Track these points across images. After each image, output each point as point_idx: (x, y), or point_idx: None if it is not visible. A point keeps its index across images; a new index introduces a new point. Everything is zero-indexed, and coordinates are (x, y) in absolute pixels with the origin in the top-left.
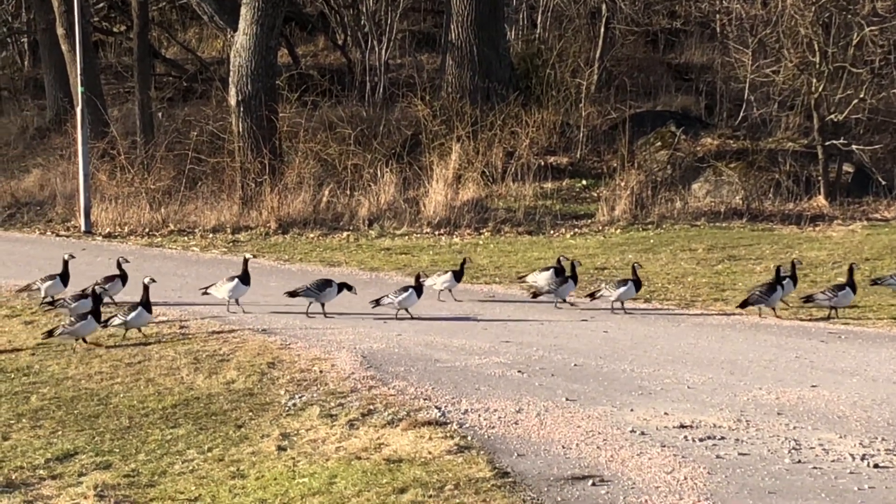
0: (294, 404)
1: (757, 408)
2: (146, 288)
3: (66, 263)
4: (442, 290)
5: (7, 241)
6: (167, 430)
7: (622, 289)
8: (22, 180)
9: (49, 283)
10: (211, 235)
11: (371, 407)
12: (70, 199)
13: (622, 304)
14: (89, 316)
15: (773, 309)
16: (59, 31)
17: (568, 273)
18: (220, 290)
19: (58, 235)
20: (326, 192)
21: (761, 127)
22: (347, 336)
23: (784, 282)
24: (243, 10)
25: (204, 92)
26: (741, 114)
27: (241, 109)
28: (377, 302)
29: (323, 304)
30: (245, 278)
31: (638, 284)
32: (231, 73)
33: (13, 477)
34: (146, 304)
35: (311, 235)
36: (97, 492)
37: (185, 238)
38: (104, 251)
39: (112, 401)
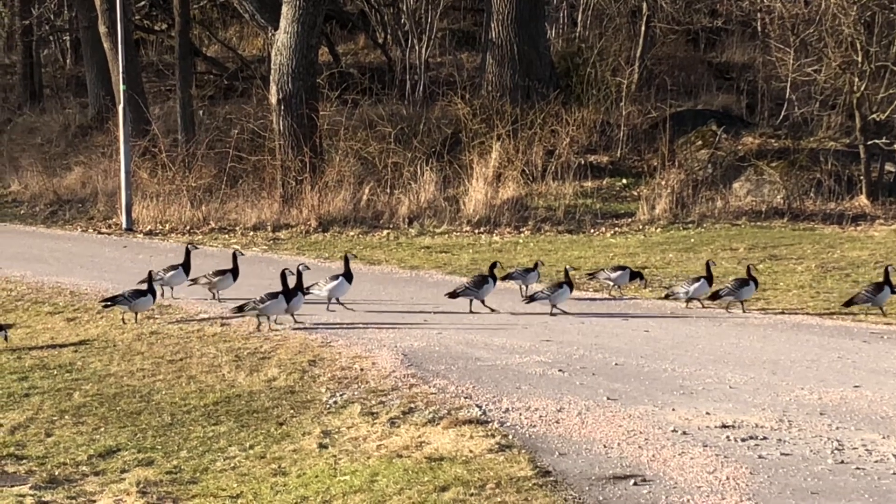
0: (335, 402)
1: (799, 408)
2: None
3: (188, 252)
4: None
5: (49, 238)
6: (209, 427)
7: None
8: (64, 178)
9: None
10: (251, 233)
11: (412, 405)
12: (112, 196)
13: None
14: (280, 296)
15: (881, 309)
16: (102, 29)
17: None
18: (323, 288)
19: (99, 233)
20: (367, 191)
21: (803, 126)
22: (388, 334)
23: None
24: (284, 9)
25: (245, 90)
26: (782, 113)
27: (282, 108)
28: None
29: (483, 301)
30: (349, 276)
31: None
32: (272, 72)
33: (56, 473)
34: (299, 289)
35: (352, 233)
36: (139, 488)
37: (226, 236)
38: (145, 248)
39: (154, 398)
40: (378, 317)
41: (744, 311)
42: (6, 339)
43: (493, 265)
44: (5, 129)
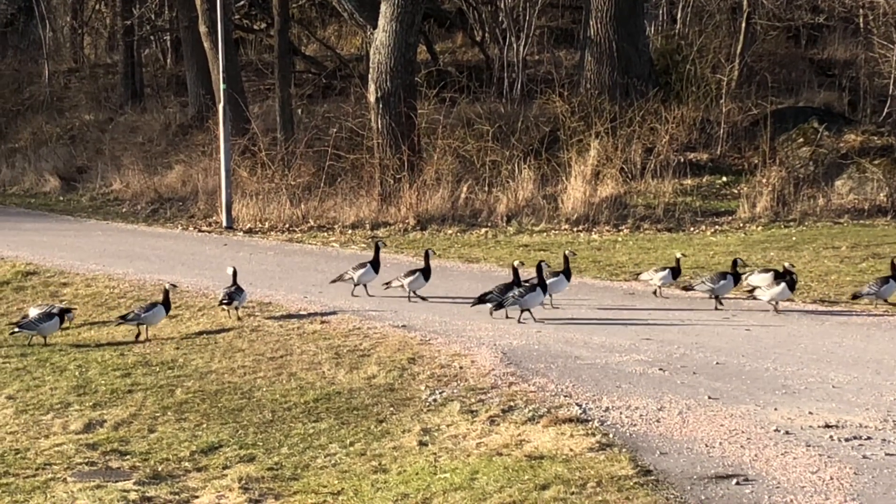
0: (435, 400)
1: None
2: (538, 268)
3: (377, 250)
4: (660, 286)
5: (151, 236)
6: (309, 424)
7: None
8: (164, 176)
9: (361, 271)
10: (350, 231)
11: (511, 403)
12: (212, 194)
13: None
14: (538, 288)
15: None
16: (202, 28)
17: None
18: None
19: (200, 231)
20: (465, 189)
21: None
22: (487, 332)
23: None
24: (383, 7)
25: (343, 89)
26: (885, 110)
27: (381, 106)
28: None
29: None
30: (427, 272)
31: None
32: (370, 70)
33: (159, 469)
34: (542, 284)
35: (450, 231)
36: (241, 484)
37: (325, 234)
38: (245, 246)
39: (255, 394)
40: (476, 315)
41: (719, 306)
42: (71, 319)
43: (678, 260)
44: (107, 128)
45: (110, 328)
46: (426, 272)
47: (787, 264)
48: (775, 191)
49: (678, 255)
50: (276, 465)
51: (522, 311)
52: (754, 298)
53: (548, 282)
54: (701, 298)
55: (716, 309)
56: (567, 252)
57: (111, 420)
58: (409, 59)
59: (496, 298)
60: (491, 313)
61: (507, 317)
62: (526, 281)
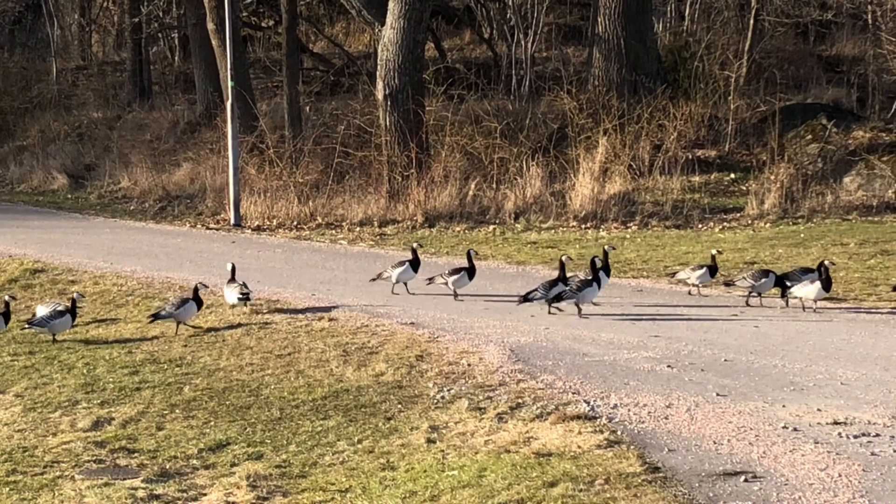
0: (443, 397)
1: None
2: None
3: (414, 252)
4: (697, 285)
5: (159, 233)
6: (317, 422)
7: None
8: (173, 174)
9: (400, 269)
10: (358, 229)
11: (519, 400)
12: (220, 192)
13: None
14: (594, 283)
15: None
16: (210, 26)
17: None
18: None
19: (208, 228)
20: (473, 186)
21: None
22: (495, 329)
23: None
24: (391, 5)
25: (351, 86)
26: (894, 106)
27: (389, 103)
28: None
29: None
30: (471, 271)
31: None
32: (378, 68)
33: (167, 466)
34: (597, 279)
35: (458, 229)
36: (249, 482)
37: (333, 231)
38: (253, 244)
39: (263, 392)
40: (484, 312)
41: (755, 302)
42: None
43: (713, 256)
44: (115, 125)
45: (118, 326)
46: (471, 271)
47: (827, 262)
48: (784, 187)
49: (714, 251)
50: (284, 463)
51: (580, 306)
52: (791, 297)
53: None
54: (709, 296)
55: (747, 305)
56: (606, 247)
57: (119, 418)
58: (417, 56)
59: (542, 295)
60: (549, 311)
61: (548, 312)
62: (567, 278)
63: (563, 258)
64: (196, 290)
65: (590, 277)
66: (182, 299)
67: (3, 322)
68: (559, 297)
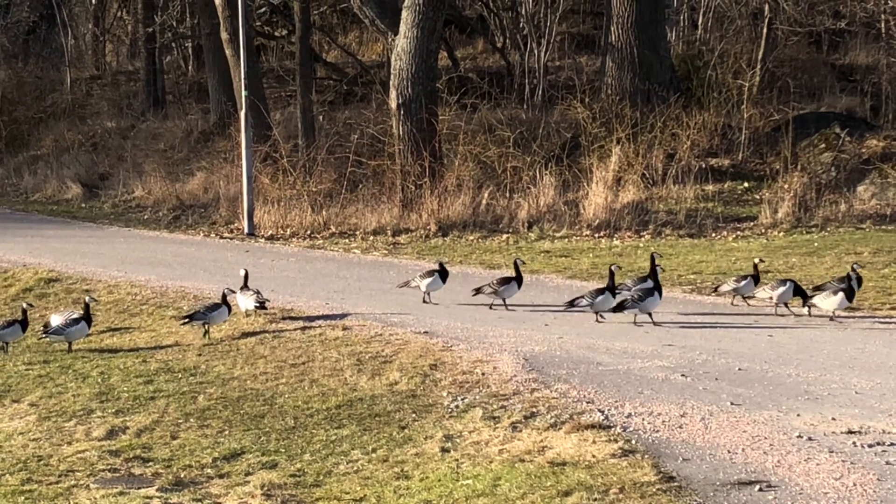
0: (457, 406)
1: None
2: (612, 274)
3: (441, 266)
4: (745, 297)
5: (172, 242)
6: (332, 431)
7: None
8: (186, 183)
9: (429, 279)
10: (371, 238)
11: (534, 409)
12: (233, 201)
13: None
14: (655, 292)
15: None
16: (224, 35)
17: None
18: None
19: (221, 237)
20: (486, 195)
21: None
22: (509, 338)
23: None
24: (404, 14)
25: (364, 95)
26: None
27: (402, 112)
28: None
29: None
30: (519, 280)
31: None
32: (391, 77)
33: (182, 475)
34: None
35: (471, 237)
36: (264, 491)
37: (346, 240)
38: (267, 253)
39: (277, 401)
40: (498, 321)
41: (783, 312)
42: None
43: (755, 265)
44: (129, 135)
45: (132, 334)
46: (519, 280)
47: (853, 269)
48: (797, 196)
49: (756, 260)
50: (298, 472)
51: (641, 315)
52: (813, 306)
53: (623, 287)
54: (722, 304)
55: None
56: (654, 253)
57: (134, 427)
58: (430, 65)
59: (589, 303)
60: (597, 320)
61: (597, 319)
62: (607, 289)
63: (613, 267)
64: (224, 295)
65: (649, 286)
66: (214, 304)
67: (20, 329)
68: (621, 307)
